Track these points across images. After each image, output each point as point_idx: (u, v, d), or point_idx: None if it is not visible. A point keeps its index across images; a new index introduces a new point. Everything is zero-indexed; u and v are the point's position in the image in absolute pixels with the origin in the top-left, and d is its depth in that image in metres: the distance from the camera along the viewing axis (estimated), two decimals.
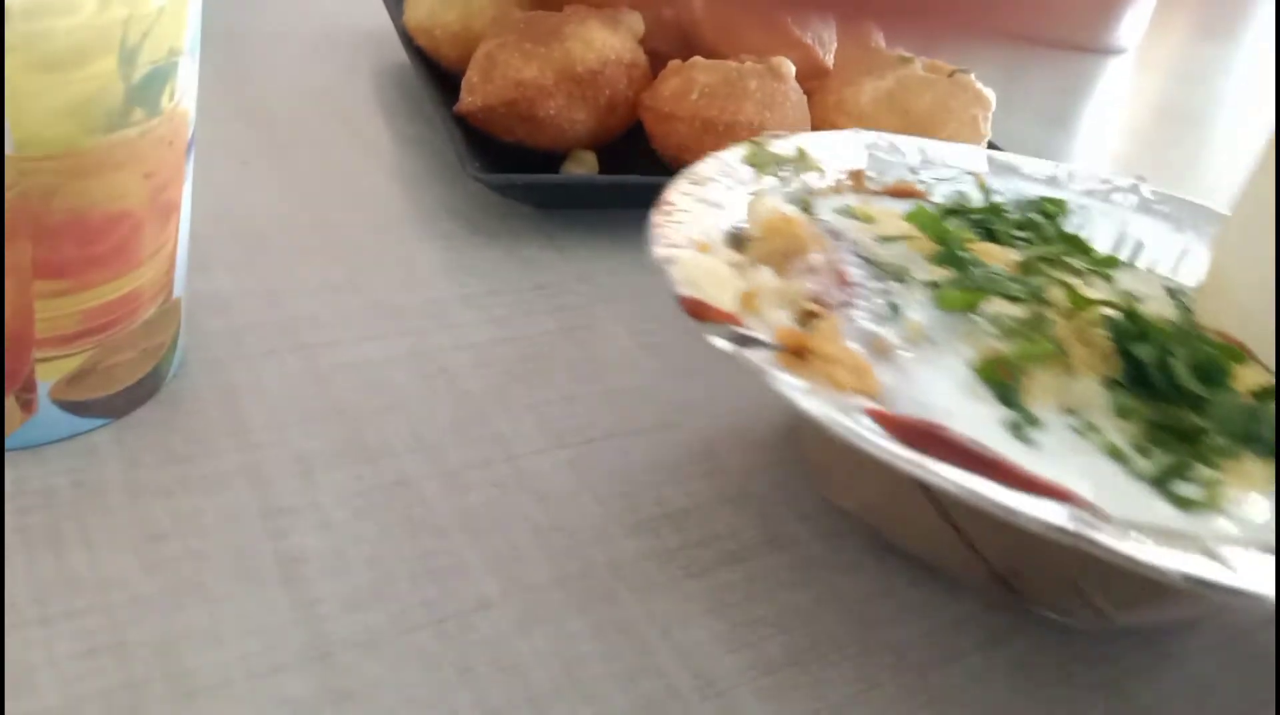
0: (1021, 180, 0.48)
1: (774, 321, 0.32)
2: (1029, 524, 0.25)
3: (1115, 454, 0.30)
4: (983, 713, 0.30)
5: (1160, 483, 0.30)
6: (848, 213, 0.42)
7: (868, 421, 0.28)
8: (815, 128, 0.57)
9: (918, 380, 0.31)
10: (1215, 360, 0.34)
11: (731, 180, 0.40)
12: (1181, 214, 0.47)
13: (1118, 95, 0.95)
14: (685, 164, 0.51)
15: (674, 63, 0.54)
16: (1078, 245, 0.43)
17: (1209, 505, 0.29)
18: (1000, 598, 0.33)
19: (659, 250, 0.33)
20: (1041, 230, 0.44)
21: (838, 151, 0.45)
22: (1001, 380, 0.32)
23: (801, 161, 0.43)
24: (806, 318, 0.33)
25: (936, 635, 0.32)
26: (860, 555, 0.34)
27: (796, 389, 0.28)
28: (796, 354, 0.30)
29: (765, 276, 0.34)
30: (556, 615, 0.30)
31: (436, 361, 0.40)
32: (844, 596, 0.33)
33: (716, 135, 0.51)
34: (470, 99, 0.52)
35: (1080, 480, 0.28)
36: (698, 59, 0.53)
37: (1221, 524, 0.29)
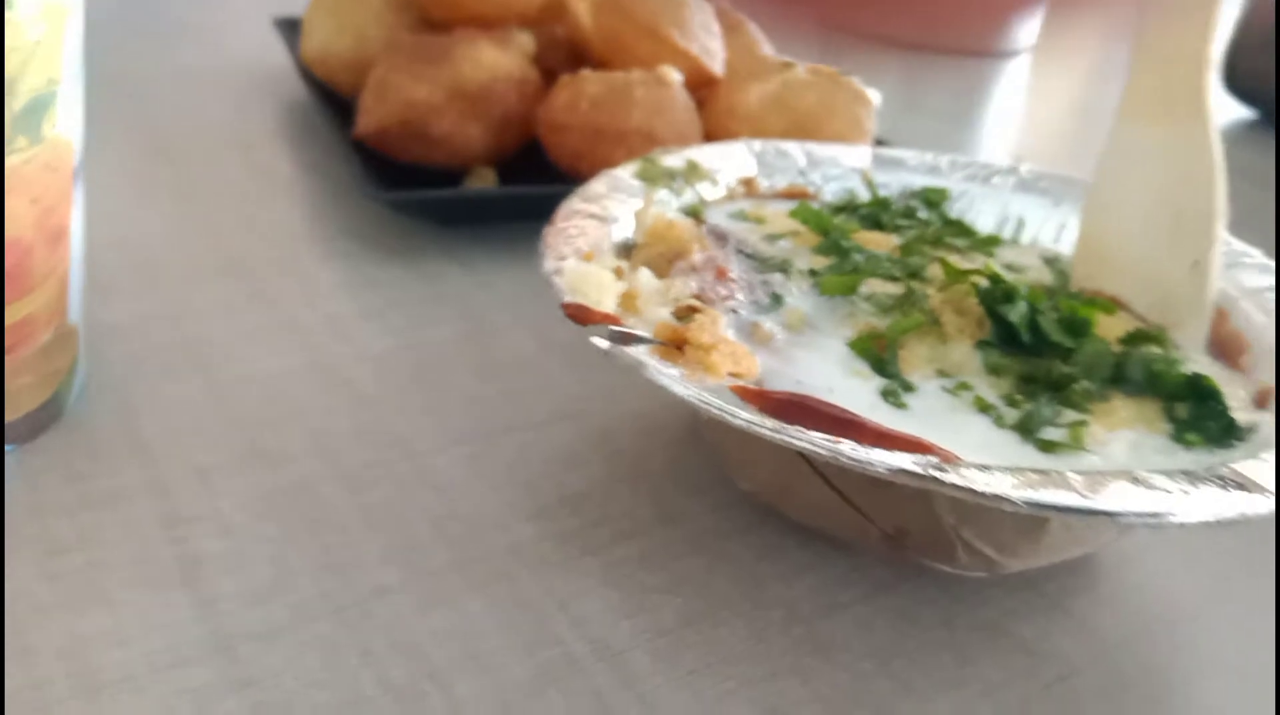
0: (906, 173, 0.50)
1: (654, 319, 0.33)
2: (881, 472, 0.27)
3: (984, 408, 0.32)
4: (867, 656, 0.31)
5: (1025, 430, 0.31)
6: (740, 217, 0.44)
7: (735, 399, 0.29)
8: (707, 133, 0.59)
9: (797, 363, 0.33)
10: (1080, 313, 0.36)
11: (624, 194, 0.42)
12: (1059, 189, 0.49)
13: (1017, 96, 0.99)
14: (580, 173, 0.53)
15: (565, 76, 0.55)
16: (960, 229, 0.45)
17: (1073, 446, 0.31)
18: (896, 556, 0.35)
19: (548, 263, 0.34)
20: (924, 219, 0.46)
21: (728, 161, 0.47)
22: (876, 353, 0.34)
23: (693, 173, 0.45)
24: (687, 313, 0.34)
25: (824, 589, 0.33)
26: (751, 522, 0.36)
27: (669, 377, 0.30)
28: (676, 347, 0.32)
29: (644, 278, 0.35)
30: (455, 597, 0.31)
31: (336, 373, 0.41)
32: (736, 560, 0.34)
33: (608, 143, 0.53)
34: (365, 121, 0.53)
35: (947, 435, 0.30)
36: (587, 71, 0.55)
37: (1086, 461, 0.30)
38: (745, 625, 0.32)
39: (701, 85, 0.60)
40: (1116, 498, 0.27)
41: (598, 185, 0.42)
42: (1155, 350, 0.36)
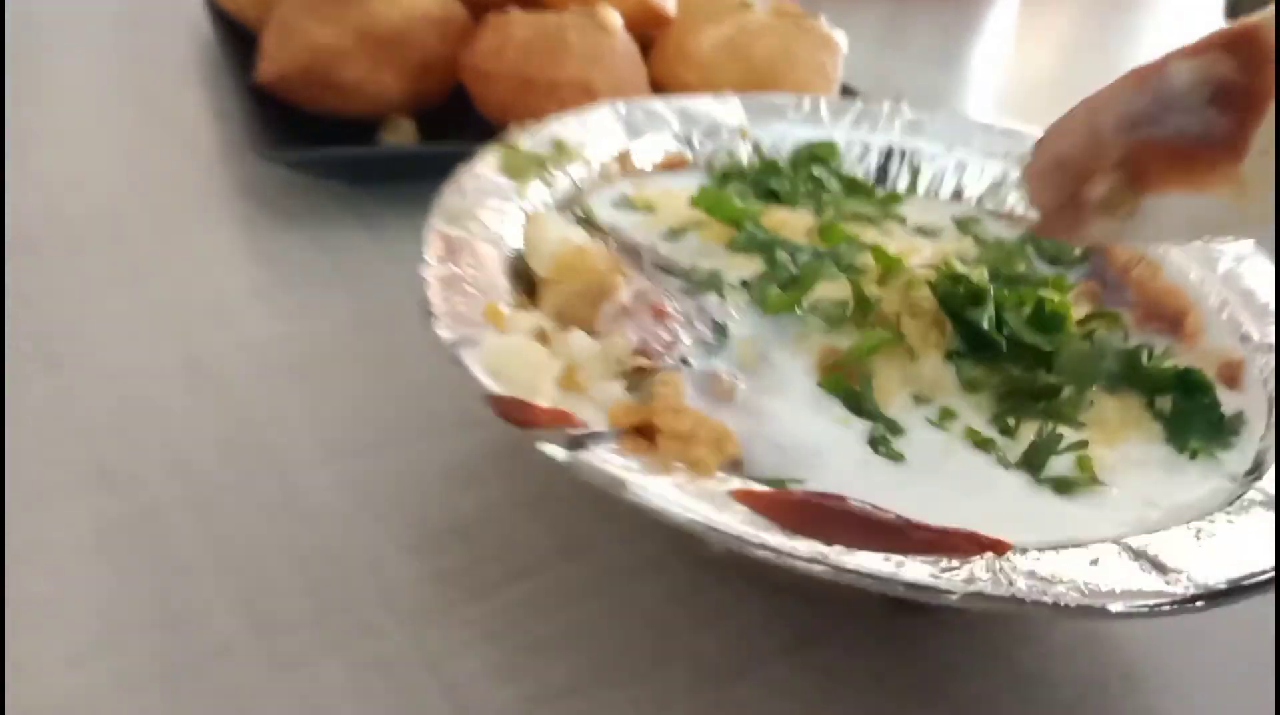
0: (784, 123, 0.45)
1: (605, 399, 0.28)
2: (954, 601, 0.23)
3: (979, 443, 0.29)
4: None
5: (1032, 466, 0.29)
6: (625, 204, 0.39)
7: (749, 515, 0.24)
8: (655, 82, 0.53)
9: (770, 418, 0.29)
10: (1050, 309, 0.33)
11: (494, 200, 0.35)
12: (949, 131, 0.46)
13: (1006, 36, 0.93)
14: (511, 127, 0.48)
15: (491, 16, 0.50)
16: (859, 188, 0.43)
17: (1087, 481, 0.29)
18: (817, 594, 0.31)
19: (444, 332, 0.28)
20: (820, 180, 0.42)
21: (594, 131, 0.42)
22: (848, 387, 0.30)
23: (561, 155, 0.40)
24: (637, 376, 0.29)
25: (741, 639, 0.29)
26: (664, 555, 0.31)
27: (665, 499, 0.24)
28: (642, 434, 0.26)
29: (579, 343, 0.29)
30: (308, 658, 0.27)
31: (208, 368, 0.36)
32: (639, 604, 0.30)
33: (539, 95, 0.48)
34: (266, 67, 0.47)
35: (956, 491, 0.28)
36: (515, 11, 0.49)
37: (1108, 499, 0.28)
38: (645, 690, 0.28)
39: (649, 26, 0.55)
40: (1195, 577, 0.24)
41: (454, 197, 0.35)
42: (1118, 336, 0.35)
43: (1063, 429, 0.30)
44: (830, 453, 0.28)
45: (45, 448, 0.32)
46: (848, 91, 0.57)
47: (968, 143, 0.45)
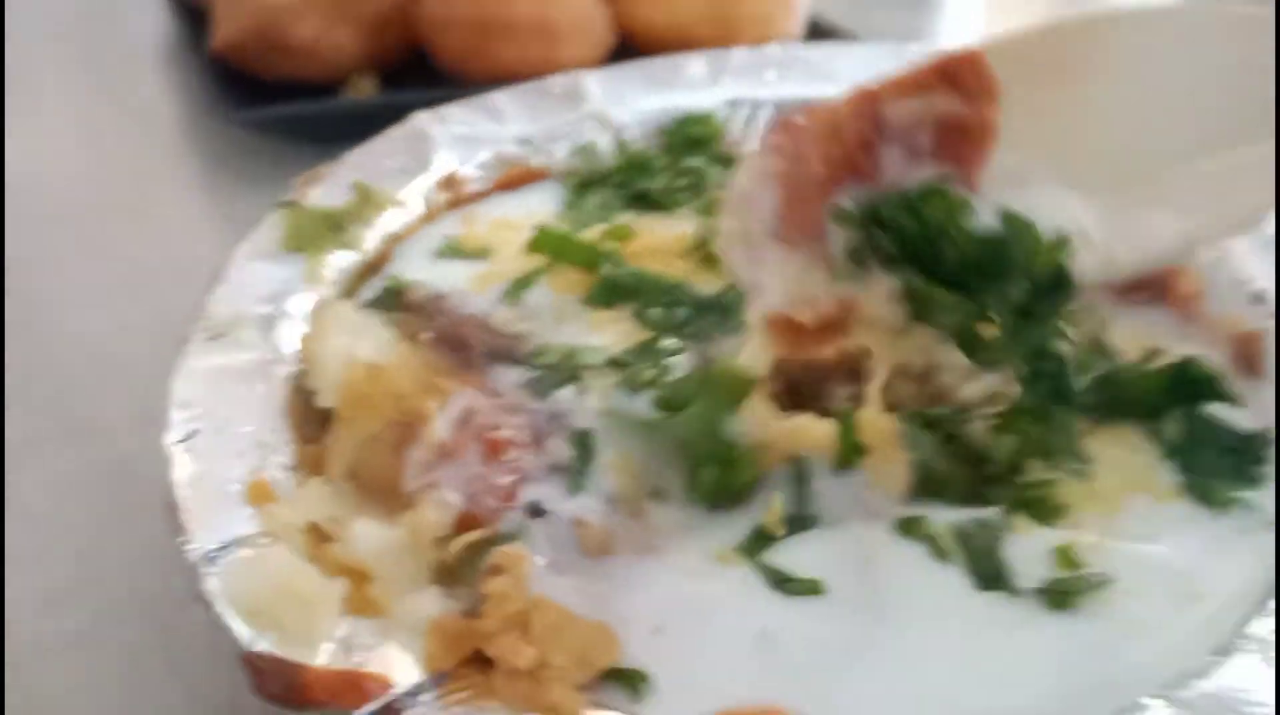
0: (650, 93, 0.37)
1: (416, 619, 0.20)
2: None
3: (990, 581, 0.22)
4: None
5: (989, 575, 0.22)
6: (452, 251, 0.30)
7: None
8: (615, 19, 0.52)
9: (679, 593, 0.21)
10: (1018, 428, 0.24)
11: (274, 289, 0.27)
12: (839, 65, 0.38)
13: None
14: (470, 76, 0.47)
15: None
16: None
17: (1082, 583, 0.21)
18: None
19: (192, 547, 0.20)
20: (696, 169, 0.34)
21: (408, 156, 0.33)
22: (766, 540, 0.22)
23: (367, 204, 0.31)
24: (465, 559, 0.21)
25: None
26: None
27: None
28: (478, 673, 0.19)
29: (369, 537, 0.21)
30: None
31: (174, 329, 0.36)
32: None
33: (495, 38, 0.47)
34: (221, 34, 0.47)
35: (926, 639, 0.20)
36: None
37: (1132, 602, 0.21)
38: None
39: None
40: None
41: (221, 300, 0.27)
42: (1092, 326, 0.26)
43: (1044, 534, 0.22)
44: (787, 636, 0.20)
45: (11, 408, 0.32)
46: (818, 30, 0.56)
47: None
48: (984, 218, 0.24)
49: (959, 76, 0.23)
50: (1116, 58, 0.25)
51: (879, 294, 0.24)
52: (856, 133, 0.24)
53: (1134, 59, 0.25)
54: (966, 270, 0.24)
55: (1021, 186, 0.24)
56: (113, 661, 0.25)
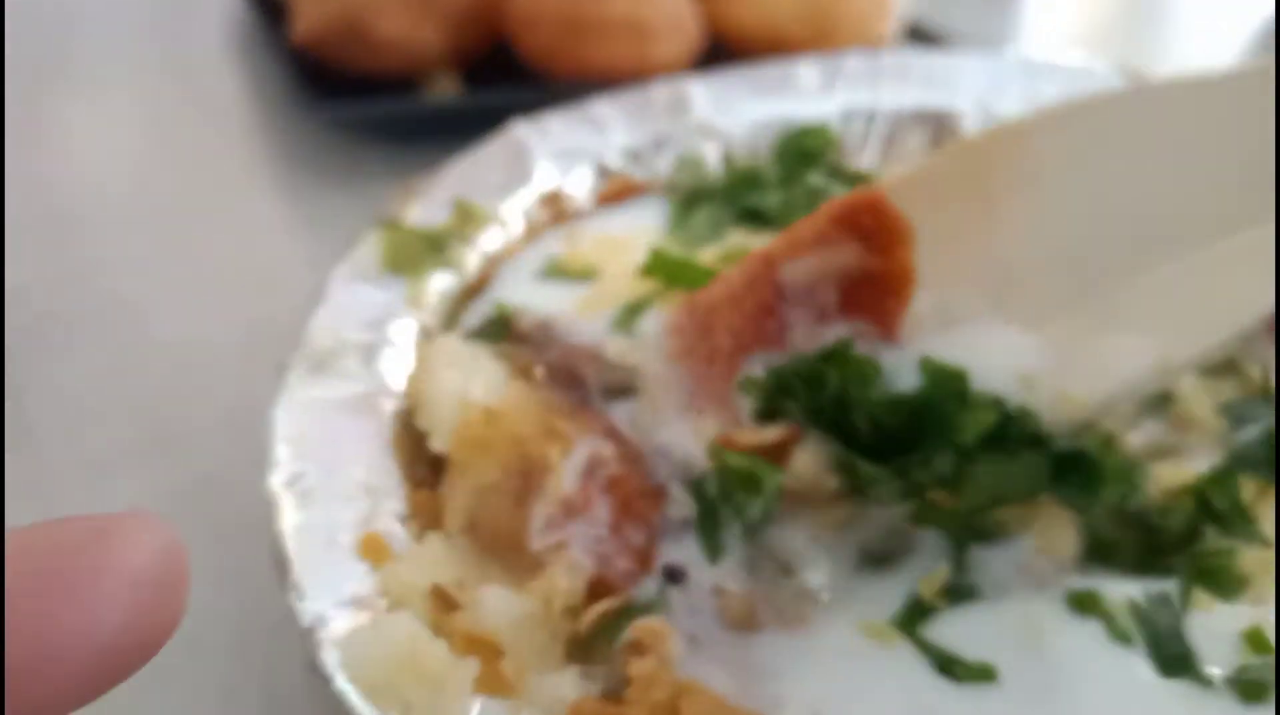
0: (758, 101, 0.34)
1: (551, 701, 0.18)
2: None
3: (1175, 666, 0.19)
4: None
5: (1174, 662, 0.19)
6: (557, 271, 0.28)
7: None
8: (709, 19, 0.51)
9: (851, 702, 0.19)
10: None
11: (375, 316, 0.26)
12: (981, 79, 0.35)
13: None
14: (557, 74, 0.46)
15: None
16: (859, 181, 0.31)
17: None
18: None
19: (306, 612, 0.19)
20: (817, 188, 0.31)
21: (505, 171, 0.31)
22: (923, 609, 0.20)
23: (468, 222, 0.29)
24: (599, 631, 0.19)
25: None
26: None
27: None
28: None
29: (498, 607, 0.19)
30: None
31: (260, 336, 0.35)
32: None
33: (587, 37, 0.46)
34: (302, 26, 0.46)
35: None
36: None
37: None
38: None
39: None
40: None
41: (322, 331, 0.25)
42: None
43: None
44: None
45: (101, 417, 0.31)
46: (918, 33, 0.54)
47: (1003, 91, 0.35)
48: (904, 376, 0.22)
49: (859, 225, 0.22)
50: (1038, 167, 0.23)
51: (805, 459, 0.21)
52: (756, 300, 0.22)
53: (1058, 165, 0.23)
54: (883, 440, 0.21)
55: (950, 327, 0.22)
56: (209, 697, 0.24)
